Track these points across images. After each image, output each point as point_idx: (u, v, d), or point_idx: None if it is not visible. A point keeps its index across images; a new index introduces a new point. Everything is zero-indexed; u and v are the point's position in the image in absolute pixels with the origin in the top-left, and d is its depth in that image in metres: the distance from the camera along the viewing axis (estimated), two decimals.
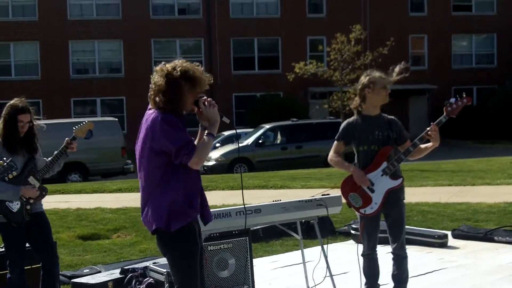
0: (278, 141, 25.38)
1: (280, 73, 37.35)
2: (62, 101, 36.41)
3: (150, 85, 4.50)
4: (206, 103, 4.57)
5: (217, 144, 26.59)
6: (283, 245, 9.35)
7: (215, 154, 24.43)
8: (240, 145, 24.73)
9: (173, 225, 4.45)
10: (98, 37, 37.49)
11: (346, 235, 9.73)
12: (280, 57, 38.84)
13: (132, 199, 14.58)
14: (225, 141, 26.82)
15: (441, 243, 8.83)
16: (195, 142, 4.53)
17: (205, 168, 24.48)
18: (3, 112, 5.94)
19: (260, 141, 24.86)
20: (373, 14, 37.43)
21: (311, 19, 38.95)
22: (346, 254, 8.18)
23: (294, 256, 8.56)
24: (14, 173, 5.03)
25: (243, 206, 6.55)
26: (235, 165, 24.00)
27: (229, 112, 38.11)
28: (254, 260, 8.46)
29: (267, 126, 25.68)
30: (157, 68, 4.50)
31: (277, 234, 9.58)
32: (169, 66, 4.46)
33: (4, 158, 5.12)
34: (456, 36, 41.22)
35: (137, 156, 4.57)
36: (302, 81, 28.25)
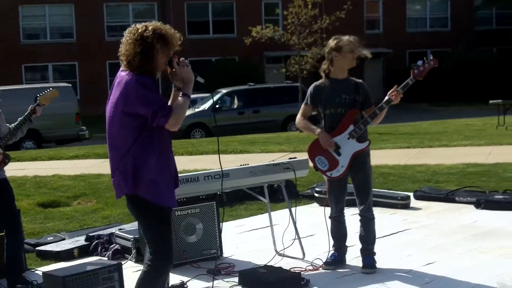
0: (235, 106, 25.31)
1: (235, 37, 37.13)
2: (14, 67, 35.68)
3: (121, 46, 4.39)
4: (179, 62, 4.48)
5: None
6: (248, 210, 9.35)
7: None
8: (197, 110, 24.60)
9: None
10: (48, 2, 36.71)
11: (310, 198, 9.77)
12: (235, 21, 38.57)
13: (91, 165, 14.42)
14: None
15: (404, 204, 8.94)
16: (169, 103, 4.46)
17: None
18: None
19: (217, 106, 24.75)
20: None
21: None
22: (311, 217, 8.22)
23: (259, 220, 8.58)
24: None
25: (210, 170, 6.56)
26: (192, 130, 23.90)
27: None
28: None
29: (224, 90, 25.58)
30: (128, 29, 4.41)
31: (241, 198, 9.57)
32: (139, 26, 4.39)
33: None
34: (410, 0, 41.47)
35: (107, 119, 4.46)
36: (258, 45, 28.12)
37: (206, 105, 24.82)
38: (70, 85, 23.52)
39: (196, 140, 21.11)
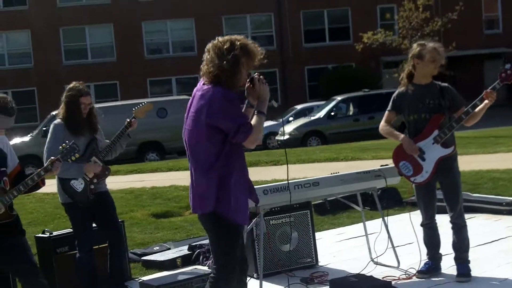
0: (351, 113, 25.24)
1: (351, 43, 36.98)
2: (139, 81, 37.05)
3: (205, 59, 4.48)
4: (259, 79, 4.56)
5: (290, 118, 26.70)
6: (350, 217, 9.39)
7: (288, 128, 24.53)
8: (312, 118, 24.80)
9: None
10: (169, 17, 37.87)
11: (414, 205, 9.63)
12: (350, 27, 38.45)
13: None
14: (298, 115, 26.90)
15: (510, 210, 8.69)
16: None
17: (278, 142, 24.64)
18: (64, 96, 6.16)
19: (332, 113, 24.79)
20: None
21: None
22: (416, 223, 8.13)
23: (360, 227, 8.57)
24: (77, 155, 5.23)
25: (305, 179, 6.65)
26: (308, 138, 24.07)
27: (302, 85, 38.08)
28: (320, 233, 8.60)
29: (339, 98, 25.56)
30: (213, 42, 4.48)
31: (344, 206, 9.59)
32: (224, 40, 4.46)
33: (67, 141, 5.33)
34: None
35: (186, 132, 4.56)
36: (374, 50, 27.96)
37: (322, 113, 24.90)
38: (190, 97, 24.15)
39: (310, 148, 21.24)
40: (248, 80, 4.59)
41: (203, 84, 4.52)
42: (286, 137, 24.10)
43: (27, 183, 5.10)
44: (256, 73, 4.60)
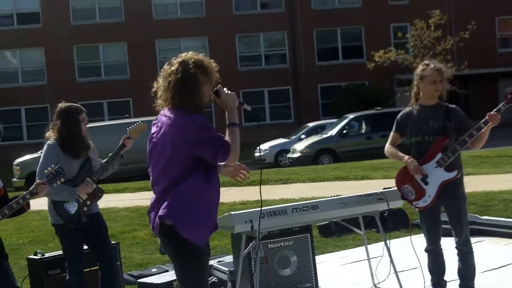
0: (363, 131, 25.05)
1: (364, 62, 36.87)
2: (151, 100, 36.93)
3: (158, 85, 4.41)
4: (225, 89, 4.43)
5: (302, 136, 26.59)
6: (355, 239, 9.15)
7: (300, 146, 24.46)
8: (324, 135, 24.68)
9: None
10: (183, 35, 37.90)
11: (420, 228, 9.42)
12: (363, 46, 38.31)
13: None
14: (310, 133, 26.76)
15: None
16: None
17: (290, 160, 24.49)
18: (60, 117, 6.00)
19: (345, 131, 24.63)
20: None
21: (394, 6, 38.25)
22: (419, 248, 7.90)
23: (364, 251, 8.34)
24: (62, 179, 5.08)
25: (303, 202, 6.45)
26: (320, 156, 23.90)
27: (315, 103, 37.92)
28: (323, 256, 8.39)
29: (351, 116, 25.42)
30: (165, 67, 4.39)
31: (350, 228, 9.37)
32: (178, 61, 4.36)
33: (52, 165, 5.18)
34: None
35: (154, 156, 4.41)
36: (387, 69, 27.82)
37: (334, 131, 24.75)
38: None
39: (321, 166, 21.04)
40: (212, 93, 4.44)
41: (168, 110, 4.39)
42: (298, 155, 23.96)
43: (12, 206, 4.95)
44: (219, 86, 4.45)
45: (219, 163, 4.42)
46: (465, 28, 22.17)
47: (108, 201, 13.10)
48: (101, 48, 38.24)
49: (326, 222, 9.42)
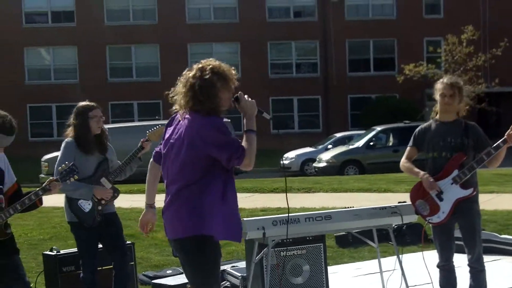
0: (390, 144, 24.93)
1: (396, 74, 36.77)
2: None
3: (178, 89, 4.47)
4: (246, 96, 4.50)
5: (329, 146, 26.56)
6: (372, 251, 9.11)
7: (326, 156, 24.43)
8: (351, 146, 24.63)
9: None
10: (215, 40, 38.09)
11: None
12: (396, 58, 38.13)
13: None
14: (337, 143, 26.72)
15: None
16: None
17: (316, 169, 24.48)
18: (75, 116, 6.13)
19: (371, 143, 24.56)
20: (492, 14, 36.00)
21: (428, 19, 38.05)
22: (432, 263, 7.86)
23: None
24: (76, 177, 5.17)
25: (317, 212, 6.46)
26: (346, 167, 23.84)
27: (344, 114, 37.84)
28: (337, 266, 8.38)
29: (379, 128, 25.33)
30: (185, 72, 4.47)
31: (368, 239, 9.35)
32: (198, 67, 4.45)
33: (66, 162, 5.27)
34: None
35: (170, 157, 4.49)
36: (418, 82, 27.70)
37: (361, 142, 24.69)
38: (229, 120, 24.18)
39: (345, 177, 20.98)
40: (232, 100, 4.50)
41: (187, 112, 4.46)
42: (323, 164, 23.94)
43: (24, 202, 5.03)
44: (240, 92, 4.51)
45: None
46: (497, 45, 21.98)
47: (132, 201, 13.23)
48: (133, 49, 38.56)
49: (344, 233, 9.41)
